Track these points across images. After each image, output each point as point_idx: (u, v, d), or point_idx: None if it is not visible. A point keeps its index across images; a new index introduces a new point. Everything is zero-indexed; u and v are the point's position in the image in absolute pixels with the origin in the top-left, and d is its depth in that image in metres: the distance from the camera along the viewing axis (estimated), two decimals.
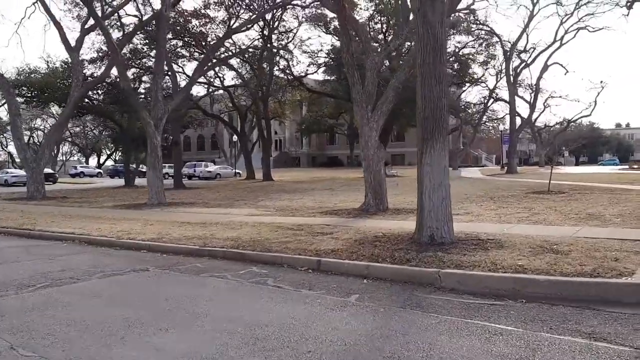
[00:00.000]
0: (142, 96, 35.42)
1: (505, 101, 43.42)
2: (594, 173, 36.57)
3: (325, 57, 35.59)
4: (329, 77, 40.37)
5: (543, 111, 50.83)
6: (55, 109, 51.00)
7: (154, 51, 33.81)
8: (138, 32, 29.32)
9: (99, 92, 37.74)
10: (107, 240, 10.11)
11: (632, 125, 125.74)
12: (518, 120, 45.41)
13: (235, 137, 48.34)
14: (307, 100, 52.18)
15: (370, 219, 12.18)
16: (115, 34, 30.46)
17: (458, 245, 7.63)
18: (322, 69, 39.99)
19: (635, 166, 45.69)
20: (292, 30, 37.72)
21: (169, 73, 31.83)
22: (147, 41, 34.82)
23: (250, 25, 31.40)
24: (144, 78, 38.42)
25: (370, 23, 36.18)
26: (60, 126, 26.91)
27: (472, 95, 57.17)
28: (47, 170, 35.05)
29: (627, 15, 35.52)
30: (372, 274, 6.67)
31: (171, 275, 7.14)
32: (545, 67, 40.13)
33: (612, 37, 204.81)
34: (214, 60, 29.84)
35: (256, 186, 31.69)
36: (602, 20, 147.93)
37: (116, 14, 28.12)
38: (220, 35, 33.01)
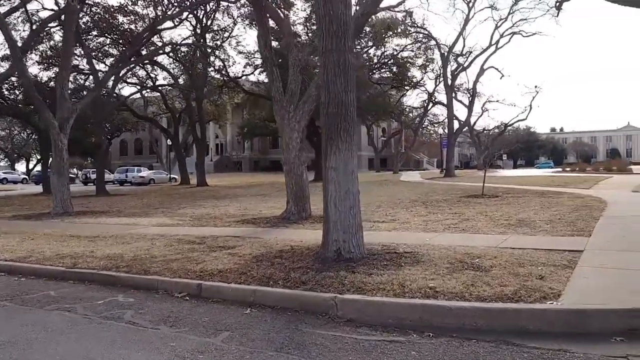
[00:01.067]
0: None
1: (444, 104, 43.53)
2: (529, 176, 36.98)
3: (261, 57, 34.19)
4: (265, 79, 38.97)
5: (481, 115, 51.64)
6: None
7: (81, 49, 31.78)
8: (50, 27, 27.03)
9: (17, 91, 34.92)
10: None
11: (566, 129, 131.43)
12: (457, 124, 45.65)
13: (169, 141, 46.15)
14: (249, 103, 50.64)
15: (288, 228, 11.03)
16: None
17: (368, 261, 6.57)
18: (260, 69, 38.60)
19: (568, 169, 46.86)
20: (225, 29, 36.14)
21: (90, 72, 29.61)
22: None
23: (177, 22, 29.69)
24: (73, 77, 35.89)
25: (307, 24, 35.20)
26: None
27: (412, 99, 57.26)
28: None
29: (557, 16, 35.99)
30: (258, 300, 5.49)
31: (6, 309, 5.69)
32: (481, 71, 40.47)
33: (545, 42, 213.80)
34: (134, 58, 27.87)
35: (187, 192, 29.96)
36: (535, 25, 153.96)
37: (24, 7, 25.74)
38: (150, 33, 31.21)
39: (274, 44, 37.40)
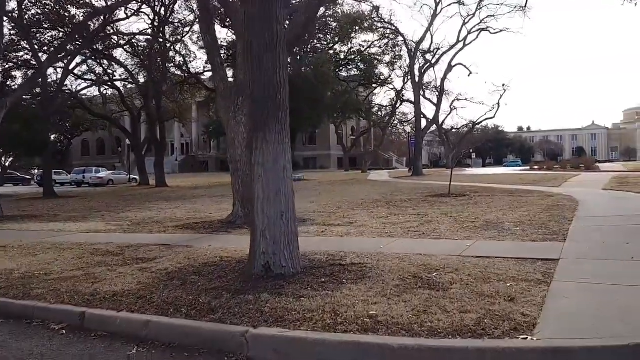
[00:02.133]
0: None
1: (411, 102, 42.68)
2: (497, 174, 36.42)
3: (223, 52, 32.60)
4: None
5: (450, 113, 50.82)
6: None
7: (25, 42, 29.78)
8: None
9: None
10: None
11: (533, 128, 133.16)
12: (425, 123, 44.90)
13: (128, 141, 44.18)
14: (214, 101, 48.87)
15: (230, 234, 9.77)
16: None
17: (304, 277, 5.38)
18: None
19: (536, 167, 46.64)
20: (185, 22, 34.53)
21: (35, 67, 27.65)
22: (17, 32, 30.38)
23: (130, 12, 28.00)
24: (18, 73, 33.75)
25: None
26: None
27: (381, 97, 56.35)
28: None
29: (525, 8, 35.47)
30: (152, 335, 4.23)
31: None
32: (449, 68, 39.77)
33: (513, 40, 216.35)
34: (70, 48, 26.10)
35: (142, 193, 28.28)
36: (503, 21, 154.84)
37: None
38: (103, 23, 29.47)
39: (225, 34, 35.79)
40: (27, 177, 54.14)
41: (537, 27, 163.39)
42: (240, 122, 11.22)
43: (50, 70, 33.08)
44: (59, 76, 33.71)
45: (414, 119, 46.62)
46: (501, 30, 39.71)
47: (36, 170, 63.50)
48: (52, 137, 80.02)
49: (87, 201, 22.95)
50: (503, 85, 46.16)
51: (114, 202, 21.40)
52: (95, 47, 31.25)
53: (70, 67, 30.85)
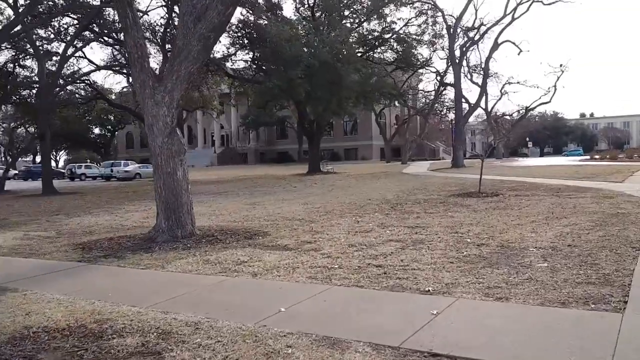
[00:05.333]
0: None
1: (451, 85, 38.35)
2: (550, 166, 31.91)
3: (235, 33, 29.54)
4: (246, 57, 34.16)
5: (500, 98, 45.97)
6: None
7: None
8: None
9: None
10: None
11: (596, 114, 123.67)
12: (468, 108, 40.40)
13: None
14: (252, 90, 46.04)
15: (121, 267, 6.77)
16: None
17: None
18: (245, 50, 33.98)
19: (597, 157, 41.31)
20: None
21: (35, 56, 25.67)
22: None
23: None
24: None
25: None
26: None
27: (425, 81, 51.83)
28: None
29: None
30: None
31: None
32: (495, 46, 34.87)
33: (570, 12, 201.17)
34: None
35: (143, 190, 25.88)
36: None
37: None
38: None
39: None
40: (62, 171, 53.46)
41: None
42: (161, 103, 8.18)
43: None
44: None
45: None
46: (556, 1, 34.69)
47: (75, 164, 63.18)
48: (96, 130, 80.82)
49: (74, 200, 20.72)
50: (560, 65, 40.70)
51: (95, 202, 19.06)
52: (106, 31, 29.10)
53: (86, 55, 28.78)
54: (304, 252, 6.76)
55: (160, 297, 4.82)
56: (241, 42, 29.67)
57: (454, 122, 42.08)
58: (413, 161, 51.89)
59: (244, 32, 28.15)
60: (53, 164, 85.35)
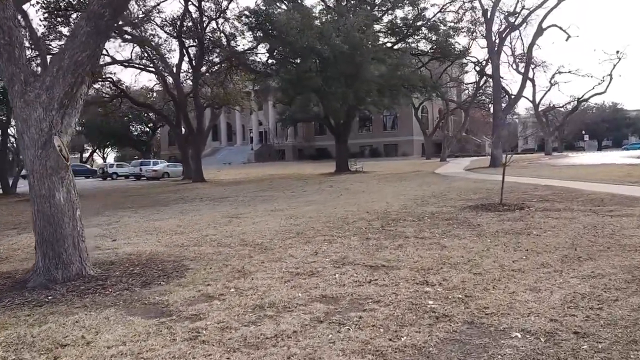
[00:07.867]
0: None
1: (489, 76, 35.02)
2: (600, 164, 28.34)
3: (249, 21, 27.42)
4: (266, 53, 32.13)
5: (549, 89, 42.23)
6: None
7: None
8: None
9: None
10: None
11: None
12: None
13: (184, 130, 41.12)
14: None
15: None
16: None
17: None
18: (264, 44, 32.05)
19: None
20: None
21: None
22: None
23: None
24: None
25: None
26: None
27: (469, 73, 48.35)
28: None
29: None
30: None
31: None
32: (539, 31, 31.11)
33: None
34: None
35: (158, 191, 24.46)
36: None
37: None
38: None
39: None
40: (95, 169, 53.53)
41: None
42: (35, 103, 6.20)
43: None
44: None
45: (506, 96, 38.95)
46: None
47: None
48: (138, 128, 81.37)
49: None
50: (617, 52, 36.78)
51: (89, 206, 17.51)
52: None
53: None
54: (180, 320, 4.58)
55: None
56: (255, 34, 27.71)
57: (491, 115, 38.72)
58: (456, 157, 48.71)
59: (256, 21, 26.10)
60: (100, 161, 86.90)
